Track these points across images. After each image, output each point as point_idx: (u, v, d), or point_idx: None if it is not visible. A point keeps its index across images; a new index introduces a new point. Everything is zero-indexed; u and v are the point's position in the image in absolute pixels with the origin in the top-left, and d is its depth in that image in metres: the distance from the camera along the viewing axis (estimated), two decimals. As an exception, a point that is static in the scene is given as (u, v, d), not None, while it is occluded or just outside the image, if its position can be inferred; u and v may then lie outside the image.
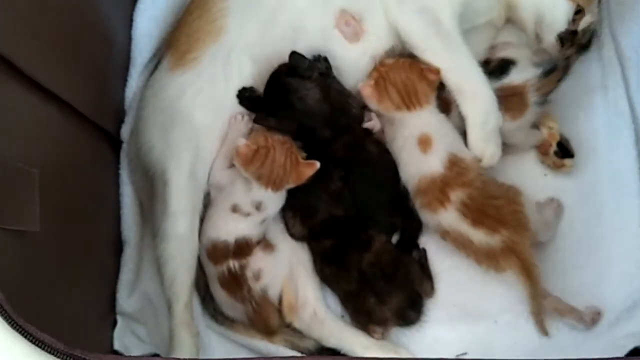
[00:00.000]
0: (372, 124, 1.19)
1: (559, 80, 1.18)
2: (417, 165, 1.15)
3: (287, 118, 1.14)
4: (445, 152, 1.13)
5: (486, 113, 1.13)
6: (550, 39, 1.19)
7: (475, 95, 1.13)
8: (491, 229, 1.10)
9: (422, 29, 1.13)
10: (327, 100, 1.14)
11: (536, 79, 1.18)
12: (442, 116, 1.17)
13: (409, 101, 1.15)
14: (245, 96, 1.16)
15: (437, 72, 1.14)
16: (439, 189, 1.13)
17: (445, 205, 1.12)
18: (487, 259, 1.11)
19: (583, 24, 1.18)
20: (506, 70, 1.19)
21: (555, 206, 1.19)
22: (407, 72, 1.15)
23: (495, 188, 1.13)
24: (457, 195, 1.12)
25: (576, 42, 1.20)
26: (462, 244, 1.13)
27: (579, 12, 1.17)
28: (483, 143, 1.13)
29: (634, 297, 1.13)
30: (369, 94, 1.16)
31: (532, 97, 1.18)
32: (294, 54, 1.14)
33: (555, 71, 1.18)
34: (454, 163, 1.13)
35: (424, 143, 1.14)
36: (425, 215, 1.15)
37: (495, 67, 1.19)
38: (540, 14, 1.18)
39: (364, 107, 1.19)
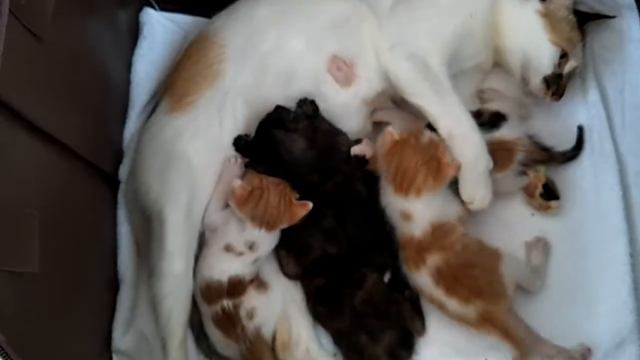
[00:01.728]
0: (362, 148, 1.20)
1: (545, 160, 1.21)
2: (398, 224, 1.14)
3: (275, 166, 1.16)
4: (427, 222, 1.11)
5: (476, 156, 1.13)
6: (536, 81, 1.22)
7: (464, 139, 1.13)
8: (464, 299, 1.09)
9: (412, 75, 1.15)
10: (313, 148, 1.16)
11: (528, 142, 1.20)
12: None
13: (407, 188, 1.10)
14: (242, 144, 1.19)
15: (457, 167, 1.09)
16: (416, 250, 1.12)
17: (420, 268, 1.12)
18: (464, 323, 1.11)
19: (568, 67, 1.22)
20: (497, 124, 1.20)
21: (542, 246, 1.20)
22: (422, 158, 1.09)
23: (473, 254, 1.11)
24: (433, 259, 1.10)
25: (562, 84, 1.22)
26: (437, 306, 1.13)
27: (564, 56, 1.20)
28: (473, 186, 1.13)
29: (622, 334, 1.14)
30: (385, 144, 1.11)
31: (519, 156, 1.19)
32: (278, 108, 1.17)
33: (547, 151, 1.22)
34: (436, 228, 1.11)
35: (406, 217, 1.12)
36: (404, 270, 1.15)
37: (486, 120, 1.20)
38: (527, 58, 1.21)
39: (356, 141, 1.21)
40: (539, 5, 1.21)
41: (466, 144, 1.13)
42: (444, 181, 1.10)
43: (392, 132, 1.11)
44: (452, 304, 1.10)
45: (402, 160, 1.10)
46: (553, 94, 1.22)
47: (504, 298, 1.09)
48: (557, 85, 1.22)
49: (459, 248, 1.11)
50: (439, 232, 1.11)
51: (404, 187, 1.10)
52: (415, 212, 1.11)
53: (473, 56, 1.24)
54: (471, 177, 1.13)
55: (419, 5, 1.18)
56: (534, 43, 1.21)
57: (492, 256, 1.12)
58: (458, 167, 1.10)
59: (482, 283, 1.09)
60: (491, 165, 1.14)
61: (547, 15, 1.20)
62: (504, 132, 1.20)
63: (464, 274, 1.09)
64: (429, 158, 1.09)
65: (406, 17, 1.18)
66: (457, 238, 1.11)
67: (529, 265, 1.18)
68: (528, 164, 1.20)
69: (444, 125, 1.13)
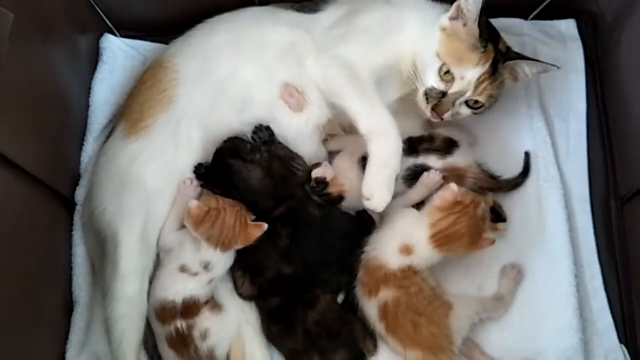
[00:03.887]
0: (323, 170, 1.21)
1: (493, 189, 1.25)
2: (382, 249, 1.16)
3: (232, 192, 1.18)
4: (408, 265, 1.14)
5: (390, 155, 1.12)
6: (420, 93, 1.20)
7: (384, 136, 1.12)
8: (404, 344, 1.12)
9: (339, 78, 1.17)
10: (270, 177, 1.19)
11: (478, 169, 1.24)
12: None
13: (440, 246, 1.13)
14: (202, 172, 1.21)
15: (491, 243, 1.13)
16: (376, 279, 1.14)
17: (371, 297, 1.14)
18: None
19: (455, 88, 1.17)
20: (450, 150, 1.23)
21: (516, 274, 1.23)
22: (472, 230, 1.11)
23: (424, 302, 1.13)
24: (386, 294, 1.13)
25: (444, 103, 1.18)
26: (381, 340, 1.16)
27: (447, 73, 1.17)
28: (377, 184, 1.12)
29: (568, 354, 1.18)
30: (446, 201, 1.12)
31: (469, 183, 1.22)
32: (235, 139, 1.19)
33: (495, 179, 1.26)
34: (409, 269, 1.14)
35: (405, 251, 1.14)
36: (357, 294, 1.17)
37: (440, 146, 1.23)
38: (416, 66, 1.20)
39: (315, 165, 1.23)
40: (446, 21, 1.18)
41: (384, 141, 1.12)
42: (474, 252, 1.13)
43: (457, 191, 1.11)
44: (393, 344, 1.13)
45: (456, 224, 1.11)
46: (433, 110, 1.19)
47: (448, 354, 1.11)
48: (437, 102, 1.18)
49: (414, 291, 1.13)
50: (408, 273, 1.13)
51: (440, 244, 1.13)
52: (418, 255, 1.14)
53: (406, 84, 1.24)
54: (378, 175, 1.12)
55: (354, 30, 1.21)
56: (425, 52, 1.19)
57: (443, 308, 1.13)
58: (492, 243, 1.13)
59: (424, 333, 1.11)
60: (399, 172, 1.13)
61: (446, 31, 1.17)
62: (457, 159, 1.24)
63: (408, 318, 1.11)
64: (476, 231, 1.12)
65: (341, 37, 1.21)
66: (416, 281, 1.13)
67: (498, 292, 1.21)
68: (477, 191, 1.22)
69: (364, 120, 1.13)
